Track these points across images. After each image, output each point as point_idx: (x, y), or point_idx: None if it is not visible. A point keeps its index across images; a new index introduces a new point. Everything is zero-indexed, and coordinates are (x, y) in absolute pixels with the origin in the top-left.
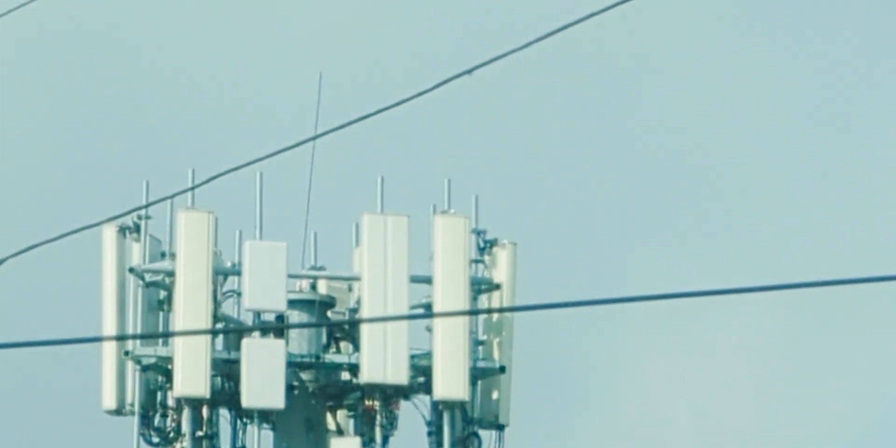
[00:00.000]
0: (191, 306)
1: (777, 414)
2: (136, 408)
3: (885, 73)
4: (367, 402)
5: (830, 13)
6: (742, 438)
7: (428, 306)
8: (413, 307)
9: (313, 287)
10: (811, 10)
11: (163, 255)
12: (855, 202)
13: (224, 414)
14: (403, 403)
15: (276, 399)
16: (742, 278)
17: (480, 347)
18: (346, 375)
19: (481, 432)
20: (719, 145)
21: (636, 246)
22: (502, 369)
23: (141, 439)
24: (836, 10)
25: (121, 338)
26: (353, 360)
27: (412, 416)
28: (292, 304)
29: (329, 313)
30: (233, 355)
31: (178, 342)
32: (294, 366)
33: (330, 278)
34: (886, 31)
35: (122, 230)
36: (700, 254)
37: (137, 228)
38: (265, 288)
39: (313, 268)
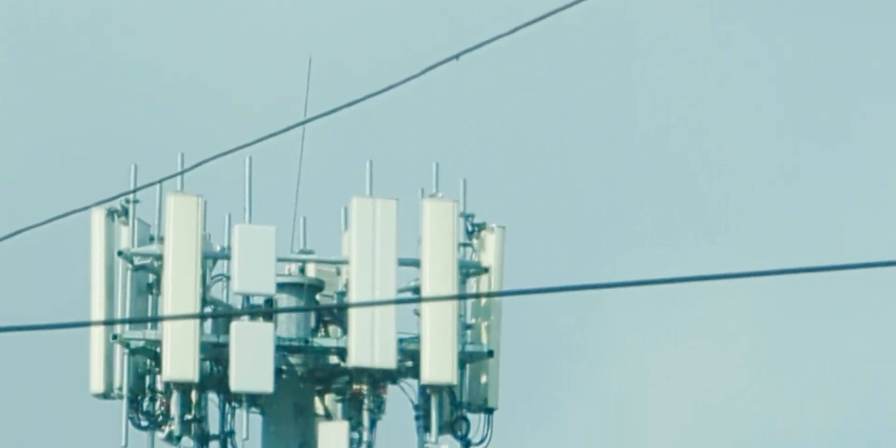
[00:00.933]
0: (179, 290)
1: (765, 397)
2: (125, 391)
3: (878, 51)
4: (355, 386)
5: None
6: (730, 421)
7: (416, 290)
8: (401, 291)
9: (302, 270)
10: None
11: (151, 238)
12: (848, 187)
13: (213, 398)
14: (391, 387)
15: (264, 383)
16: (730, 264)
17: (469, 331)
18: (334, 359)
19: (470, 416)
20: (710, 129)
21: (624, 230)
22: (490, 353)
23: (129, 423)
24: None
25: (109, 322)
26: (341, 344)
27: (400, 400)
28: (281, 287)
29: (318, 296)
30: (221, 339)
31: (166, 326)
32: (283, 349)
33: (318, 262)
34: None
35: (111, 214)
36: (689, 238)
37: (126, 212)
38: (254, 271)
39: (302, 251)
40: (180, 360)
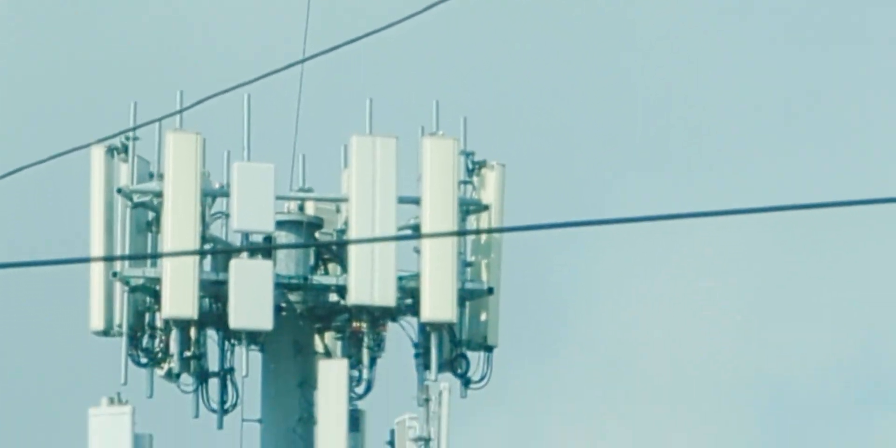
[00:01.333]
0: (179, 227)
1: (758, 336)
2: (124, 329)
3: None
4: (355, 324)
5: None
6: (725, 357)
7: (416, 227)
8: (401, 228)
9: (301, 208)
10: None
11: (151, 176)
12: (843, 124)
13: (212, 335)
14: (391, 325)
15: (263, 320)
16: (727, 200)
17: (468, 269)
18: (333, 297)
19: (469, 354)
20: (708, 68)
21: (623, 167)
22: (490, 290)
23: (129, 360)
24: None
25: (109, 259)
26: (340, 282)
27: (400, 337)
28: (280, 225)
29: (317, 234)
30: (221, 276)
31: (165, 263)
32: (282, 287)
33: (318, 200)
34: None
35: (111, 151)
36: (687, 175)
37: (126, 149)
38: (253, 209)
39: (301, 189)
40: (180, 297)
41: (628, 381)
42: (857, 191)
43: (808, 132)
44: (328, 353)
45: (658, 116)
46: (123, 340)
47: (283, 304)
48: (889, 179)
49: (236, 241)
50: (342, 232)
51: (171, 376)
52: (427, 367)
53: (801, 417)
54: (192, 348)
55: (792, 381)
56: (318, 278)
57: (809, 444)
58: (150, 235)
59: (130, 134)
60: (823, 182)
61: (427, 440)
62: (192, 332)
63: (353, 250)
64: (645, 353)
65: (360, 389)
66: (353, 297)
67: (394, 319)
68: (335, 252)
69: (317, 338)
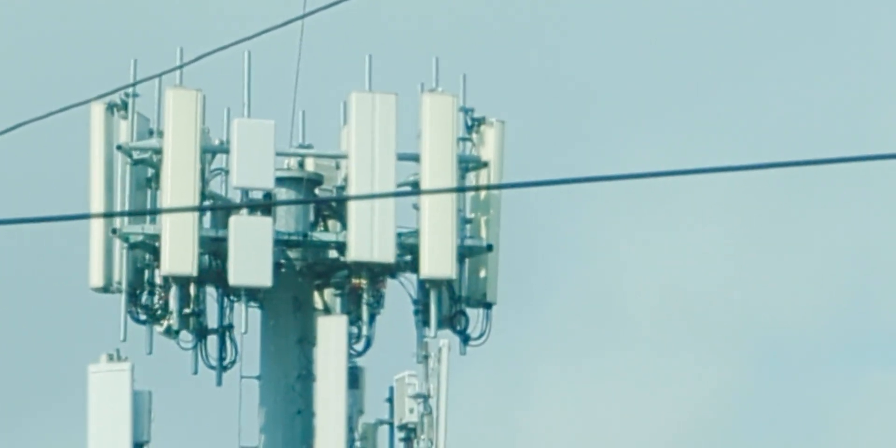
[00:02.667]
0: (178, 184)
1: (748, 288)
2: (124, 285)
3: None
4: (354, 281)
5: None
6: (717, 310)
7: (415, 184)
8: (400, 185)
9: (301, 165)
10: None
11: (150, 132)
12: (837, 80)
13: (211, 292)
14: (390, 282)
15: (263, 277)
16: (723, 154)
17: (468, 225)
18: (333, 253)
19: (468, 310)
20: (706, 26)
21: (623, 124)
22: (489, 247)
23: (128, 317)
24: None
25: (108, 215)
26: (340, 239)
27: (399, 294)
28: (280, 181)
29: (317, 191)
30: (220, 233)
31: (165, 220)
32: (281, 244)
33: (317, 156)
34: None
35: (110, 108)
36: (688, 131)
37: (125, 106)
38: (253, 166)
39: (301, 146)
40: (179, 254)
41: (626, 337)
42: (849, 147)
43: (802, 89)
44: (327, 310)
45: (660, 73)
46: (123, 297)
47: (283, 261)
48: (873, 135)
49: (236, 197)
50: (342, 188)
51: (171, 333)
52: (426, 323)
53: (789, 364)
54: (192, 305)
55: (780, 328)
56: (318, 235)
57: (797, 390)
58: (149, 192)
59: (130, 90)
60: (813, 137)
61: (426, 397)
62: (192, 289)
63: (352, 207)
64: (642, 308)
65: (359, 346)
66: (353, 254)
67: (393, 276)
68: (335, 209)
69: (316, 294)
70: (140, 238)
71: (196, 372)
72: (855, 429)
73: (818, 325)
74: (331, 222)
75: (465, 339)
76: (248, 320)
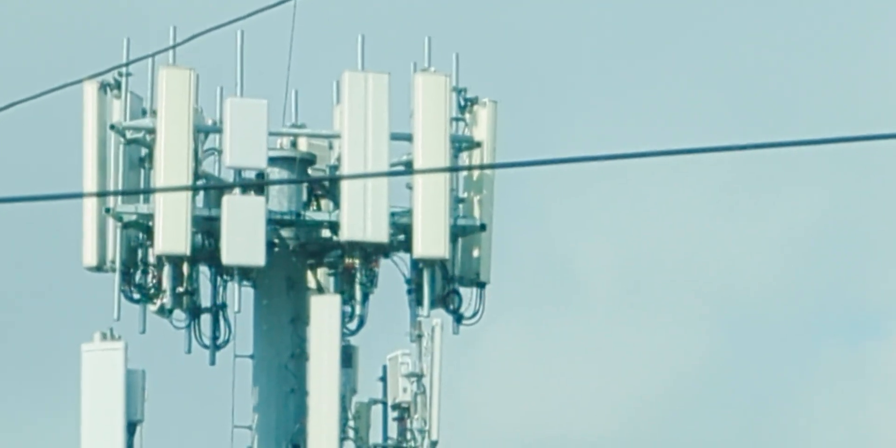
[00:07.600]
0: (171, 163)
1: (712, 257)
2: (117, 264)
3: None
4: (347, 260)
5: None
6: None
7: (408, 164)
8: (393, 165)
9: (294, 144)
10: None
11: (144, 112)
12: (804, 62)
13: (204, 271)
14: (383, 261)
15: (256, 256)
16: (712, 137)
17: (461, 205)
18: (326, 233)
19: (462, 290)
20: (697, 5)
21: (614, 104)
22: (483, 227)
23: (122, 296)
24: None
25: (102, 194)
26: (333, 218)
27: (392, 273)
28: (273, 161)
29: (309, 170)
30: (213, 212)
31: (158, 199)
32: (274, 223)
33: (310, 136)
34: None
35: (104, 87)
36: (678, 113)
37: (118, 85)
38: (246, 145)
39: (294, 125)
40: (172, 233)
41: (622, 316)
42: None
43: (788, 68)
44: (321, 289)
45: (650, 53)
46: (116, 276)
47: (276, 240)
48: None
49: (229, 177)
50: (335, 168)
51: (164, 312)
52: (419, 303)
53: (746, 326)
54: (185, 284)
55: (742, 297)
56: (311, 214)
57: (760, 358)
58: (142, 171)
59: (123, 70)
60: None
61: (419, 376)
62: (185, 268)
63: (345, 186)
64: (640, 286)
65: (352, 325)
66: (346, 233)
67: (386, 255)
68: (328, 188)
69: (309, 274)
70: (133, 217)
71: (189, 351)
72: (816, 397)
73: (780, 295)
74: (324, 202)
75: (459, 318)
76: (241, 299)
